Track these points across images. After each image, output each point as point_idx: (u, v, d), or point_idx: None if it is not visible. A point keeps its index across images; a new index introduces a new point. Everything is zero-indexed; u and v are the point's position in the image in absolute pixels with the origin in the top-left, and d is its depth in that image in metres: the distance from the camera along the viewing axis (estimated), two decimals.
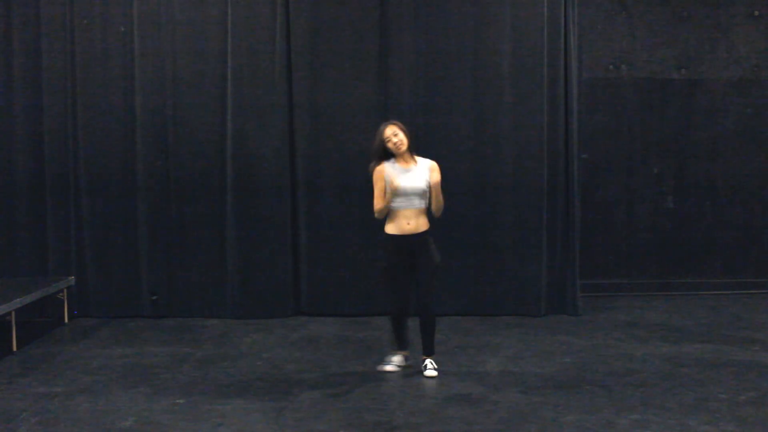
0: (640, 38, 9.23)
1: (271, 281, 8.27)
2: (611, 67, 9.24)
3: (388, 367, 6.26)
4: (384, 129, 6.01)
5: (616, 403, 5.46)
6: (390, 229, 6.00)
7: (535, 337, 7.36)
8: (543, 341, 7.22)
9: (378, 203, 6.00)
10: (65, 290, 8.00)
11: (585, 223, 8.61)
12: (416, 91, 8.24)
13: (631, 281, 9.32)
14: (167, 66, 8.21)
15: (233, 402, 5.56)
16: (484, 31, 8.22)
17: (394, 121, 6.09)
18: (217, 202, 8.26)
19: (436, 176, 6.01)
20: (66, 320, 8.09)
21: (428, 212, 6.09)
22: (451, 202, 5.98)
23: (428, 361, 6.16)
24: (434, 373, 6.10)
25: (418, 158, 6.08)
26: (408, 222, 5.97)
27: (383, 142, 5.97)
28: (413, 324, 6.22)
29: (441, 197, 6.04)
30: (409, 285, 6.08)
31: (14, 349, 6.97)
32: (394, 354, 6.33)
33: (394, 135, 5.95)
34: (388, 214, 6.02)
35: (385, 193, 5.95)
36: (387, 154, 6.00)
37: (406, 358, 6.32)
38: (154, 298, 8.31)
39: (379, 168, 6.01)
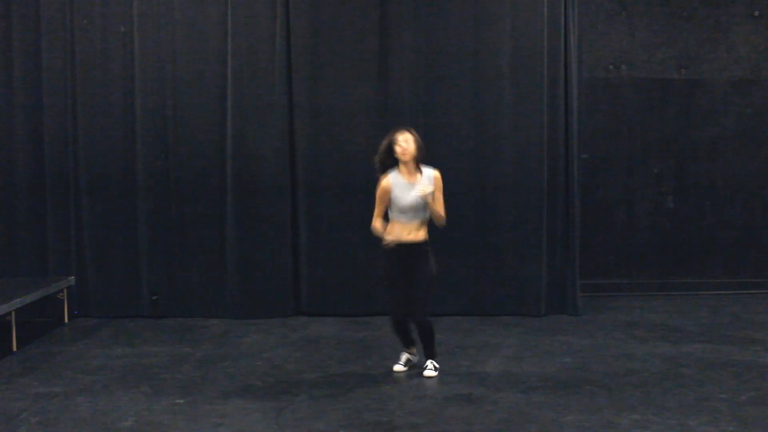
0: (640, 38, 9.23)
1: (271, 281, 8.27)
2: (611, 67, 9.24)
3: (396, 367, 6.28)
4: (396, 132, 5.99)
5: (616, 403, 5.46)
6: (389, 237, 6.00)
7: (535, 337, 7.36)
8: (543, 341, 7.22)
9: (376, 222, 6.01)
10: (65, 290, 8.00)
11: (585, 223, 8.60)
12: (416, 91, 8.24)
13: (631, 281, 9.32)
14: (167, 66, 8.21)
15: (233, 402, 5.56)
16: (484, 31, 8.22)
17: (411, 129, 6.03)
18: (217, 202, 8.26)
19: (435, 191, 5.92)
20: (66, 320, 8.08)
21: (430, 222, 6.06)
22: (451, 202, 5.98)
23: (429, 362, 6.18)
24: (434, 374, 6.10)
25: (424, 168, 6.00)
26: (408, 232, 5.97)
27: (391, 144, 5.95)
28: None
29: (442, 211, 5.97)
30: (407, 292, 6.05)
31: (14, 349, 6.97)
32: (403, 353, 6.35)
33: (404, 141, 5.90)
34: (389, 222, 6.02)
35: (385, 210, 5.97)
36: (391, 157, 5.98)
37: (413, 355, 6.35)
38: (154, 298, 8.31)
39: (384, 183, 5.97)
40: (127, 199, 8.28)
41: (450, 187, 6.15)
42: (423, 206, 5.92)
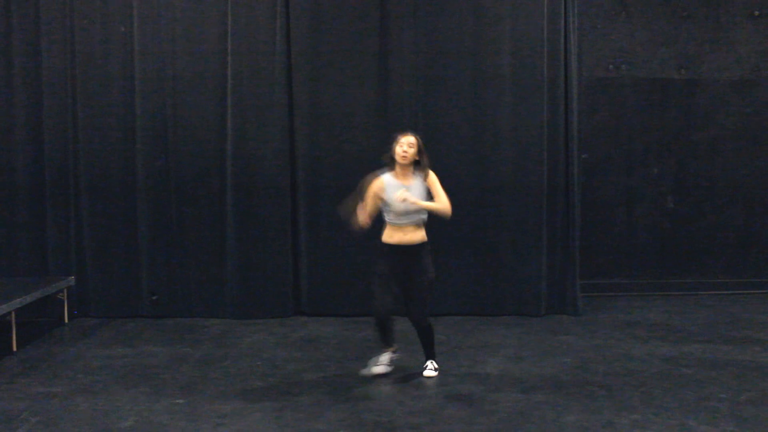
0: (640, 38, 9.23)
1: (271, 281, 8.27)
2: (611, 67, 9.24)
3: (378, 369, 6.19)
4: (402, 133, 5.98)
5: (616, 403, 5.46)
6: (386, 238, 5.98)
7: (535, 337, 7.36)
8: (543, 341, 7.22)
9: (360, 215, 5.95)
10: (65, 290, 8.00)
11: (585, 223, 8.60)
12: (416, 91, 8.24)
13: (631, 281, 9.32)
14: (167, 66, 8.21)
15: (233, 402, 5.56)
16: (484, 31, 8.22)
17: (416, 135, 6.00)
18: (217, 202, 8.26)
19: (432, 185, 5.92)
20: (66, 320, 8.08)
21: (427, 225, 6.04)
22: (451, 202, 5.95)
23: (429, 362, 6.17)
24: (434, 374, 6.10)
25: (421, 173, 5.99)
26: (405, 234, 5.95)
27: (395, 144, 5.95)
28: (411, 329, 6.19)
29: (441, 205, 5.91)
30: (396, 293, 6.00)
31: (14, 349, 6.97)
32: (382, 353, 6.27)
33: (408, 144, 5.89)
34: (386, 225, 6.00)
35: (371, 208, 5.93)
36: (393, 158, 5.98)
37: (393, 353, 6.27)
38: (154, 298, 8.31)
39: (377, 182, 5.96)
40: (127, 199, 8.28)
41: (450, 187, 6.13)
42: (416, 208, 5.92)
